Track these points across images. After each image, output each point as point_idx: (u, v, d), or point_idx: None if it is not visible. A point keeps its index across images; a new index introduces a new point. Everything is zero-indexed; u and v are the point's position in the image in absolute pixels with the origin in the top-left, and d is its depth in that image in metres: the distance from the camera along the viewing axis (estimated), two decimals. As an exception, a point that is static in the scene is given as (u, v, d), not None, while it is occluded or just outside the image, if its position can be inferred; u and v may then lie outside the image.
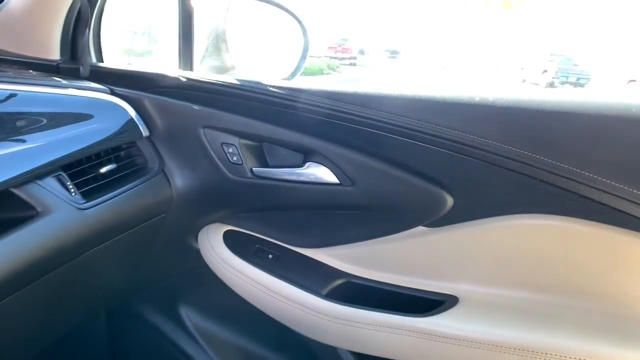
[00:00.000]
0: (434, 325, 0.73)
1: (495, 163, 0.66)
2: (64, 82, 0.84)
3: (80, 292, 0.88)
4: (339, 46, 23.89)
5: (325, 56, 22.94)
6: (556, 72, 17.09)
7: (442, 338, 0.72)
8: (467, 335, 0.71)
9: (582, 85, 16.71)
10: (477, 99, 0.67)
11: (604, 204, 0.61)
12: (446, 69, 25.50)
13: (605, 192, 0.61)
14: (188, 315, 1.11)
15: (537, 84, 17.83)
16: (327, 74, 14.41)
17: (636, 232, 0.61)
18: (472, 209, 0.71)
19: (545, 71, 17.55)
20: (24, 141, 0.65)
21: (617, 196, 0.60)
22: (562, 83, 16.80)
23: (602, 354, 0.64)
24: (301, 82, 0.80)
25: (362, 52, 30.99)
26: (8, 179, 0.61)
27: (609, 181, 0.60)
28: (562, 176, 0.62)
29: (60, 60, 0.98)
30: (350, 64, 23.19)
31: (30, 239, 0.63)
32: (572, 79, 16.99)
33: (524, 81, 19.42)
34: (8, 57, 0.95)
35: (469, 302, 0.75)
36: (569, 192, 0.63)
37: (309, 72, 13.30)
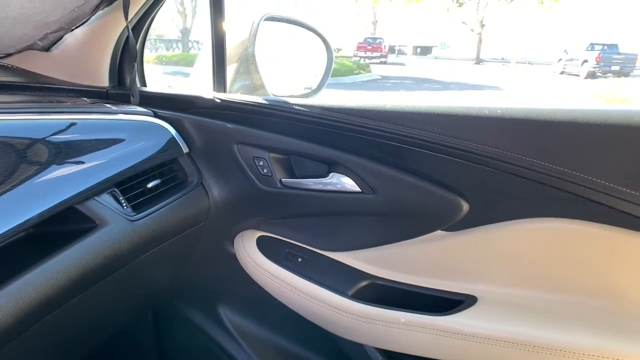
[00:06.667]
0: (454, 324, 0.76)
1: (507, 171, 0.69)
2: (114, 108, 0.93)
3: (131, 294, 0.97)
4: (369, 45, 23.49)
5: (356, 56, 22.67)
6: (597, 62, 16.33)
7: (462, 335, 0.76)
8: (485, 333, 0.74)
9: (626, 75, 15.87)
10: (487, 111, 0.70)
11: (612, 207, 0.64)
12: (480, 64, 24.83)
13: (612, 195, 0.63)
14: (226, 314, 1.18)
15: (577, 75, 17.09)
16: (357, 73, 14.28)
17: None
18: (486, 213, 0.75)
19: (586, 61, 16.79)
20: (83, 162, 0.74)
21: (624, 199, 0.63)
22: (604, 73, 16.02)
23: (615, 351, 0.66)
24: (324, 99, 0.86)
25: (392, 50, 30.62)
26: (72, 197, 0.70)
27: (615, 185, 0.63)
28: (570, 181, 0.65)
29: (109, 86, 1.08)
30: (381, 62, 22.80)
31: (91, 249, 0.71)
32: (615, 68, 16.17)
33: (562, 73, 18.64)
34: (65, 87, 1.07)
35: (487, 302, 0.78)
36: (577, 196, 0.66)
37: (339, 73, 13.24)
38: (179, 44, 21.82)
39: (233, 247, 1.04)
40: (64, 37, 1.02)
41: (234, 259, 1.03)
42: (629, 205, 0.63)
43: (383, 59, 23.50)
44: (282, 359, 1.14)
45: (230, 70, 1.02)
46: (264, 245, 0.99)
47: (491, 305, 0.77)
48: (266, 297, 0.99)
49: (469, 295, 0.80)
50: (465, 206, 0.75)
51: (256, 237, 1.00)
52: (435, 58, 34.88)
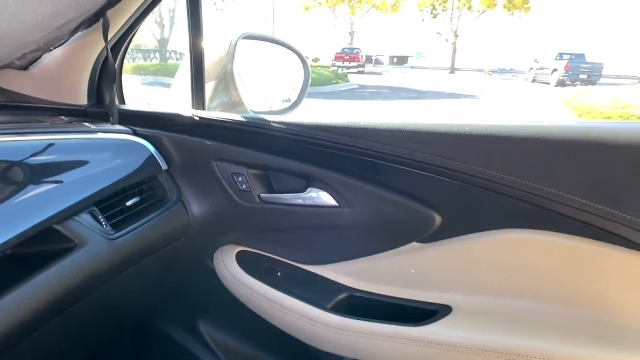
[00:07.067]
0: (429, 334, 0.78)
1: (476, 184, 0.72)
2: (93, 127, 0.93)
3: (111, 313, 0.96)
4: (347, 55, 23.71)
5: (334, 66, 22.85)
6: (566, 70, 16.92)
7: (438, 345, 0.77)
8: (460, 342, 0.76)
9: (593, 83, 16.47)
10: (456, 128, 0.73)
11: (577, 219, 0.68)
12: (453, 73, 25.36)
13: (577, 208, 0.67)
14: (207, 330, 1.18)
15: (548, 83, 17.65)
16: (335, 82, 14.39)
17: (604, 243, 0.68)
18: (458, 225, 0.78)
19: (555, 70, 17.37)
20: (61, 182, 0.75)
21: (589, 212, 0.66)
22: (573, 81, 16.60)
23: (583, 355, 0.69)
24: (301, 117, 0.88)
25: (369, 60, 31.02)
26: (50, 217, 0.70)
27: (580, 199, 0.66)
28: (537, 195, 0.69)
29: (88, 104, 1.08)
30: (359, 72, 23.03)
31: (70, 269, 0.71)
32: (583, 76, 16.79)
33: (534, 81, 19.22)
34: (44, 105, 1.06)
35: (461, 311, 0.80)
36: (544, 208, 0.69)
37: (318, 83, 13.31)
38: (157, 54, 21.62)
39: (213, 262, 1.04)
40: (42, 57, 1.01)
41: (213, 274, 1.04)
42: (593, 218, 0.66)
43: (360, 69, 23.74)
44: None
45: (209, 87, 1.04)
46: (243, 260, 0.99)
47: (465, 315, 0.79)
48: (247, 312, 0.99)
49: (444, 305, 0.82)
50: (438, 219, 0.78)
51: (236, 252, 1.01)
52: (412, 67, 35.46)
